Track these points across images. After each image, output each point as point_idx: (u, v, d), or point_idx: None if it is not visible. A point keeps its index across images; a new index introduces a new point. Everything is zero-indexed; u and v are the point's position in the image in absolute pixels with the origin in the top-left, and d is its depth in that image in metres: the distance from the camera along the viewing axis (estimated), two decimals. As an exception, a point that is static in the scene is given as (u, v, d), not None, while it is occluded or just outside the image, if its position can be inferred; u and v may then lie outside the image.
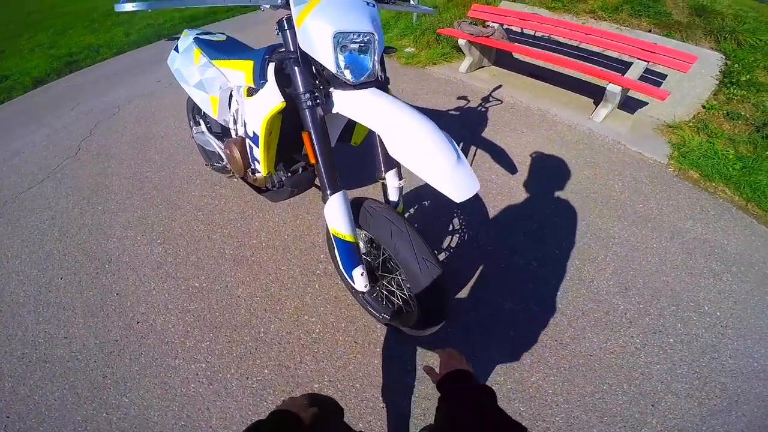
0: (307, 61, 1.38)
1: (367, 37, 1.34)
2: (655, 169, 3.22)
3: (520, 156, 3.30)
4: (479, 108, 3.99)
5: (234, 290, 2.22)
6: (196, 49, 2.22)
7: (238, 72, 1.84)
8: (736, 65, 3.93)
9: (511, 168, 3.15)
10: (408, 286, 1.64)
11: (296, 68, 1.39)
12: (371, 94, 1.37)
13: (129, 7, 1.09)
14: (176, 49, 2.43)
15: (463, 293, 2.25)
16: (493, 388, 0.84)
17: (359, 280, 1.66)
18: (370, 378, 1.87)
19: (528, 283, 2.30)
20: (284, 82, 1.51)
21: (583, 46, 4.42)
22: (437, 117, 3.81)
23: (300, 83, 1.39)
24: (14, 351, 1.98)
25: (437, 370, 0.98)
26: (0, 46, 7.20)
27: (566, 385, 1.87)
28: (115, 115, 4.20)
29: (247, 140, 1.83)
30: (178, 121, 3.90)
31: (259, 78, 1.62)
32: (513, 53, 4.84)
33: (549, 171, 3.16)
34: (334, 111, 1.46)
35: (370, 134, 1.69)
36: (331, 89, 1.44)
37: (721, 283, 2.33)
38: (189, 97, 2.44)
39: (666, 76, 4.02)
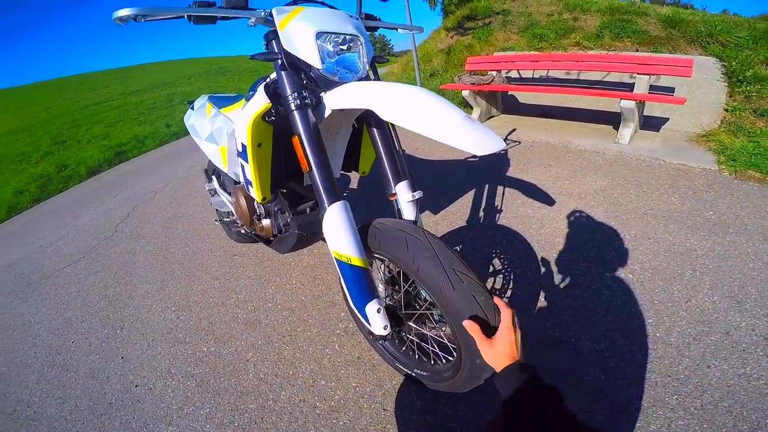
0: (294, 66, 1.19)
1: (352, 40, 1.18)
2: (709, 176, 2.64)
3: (554, 187, 2.79)
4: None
5: (243, 354, 1.83)
6: (208, 104, 2.05)
7: (238, 110, 1.60)
8: (734, 63, 3.70)
9: (548, 200, 2.64)
10: (440, 317, 1.24)
11: (282, 72, 1.18)
12: (360, 82, 1.16)
13: (125, 13, 0.91)
14: (192, 107, 2.30)
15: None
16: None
17: (375, 319, 1.19)
18: None
19: (606, 315, 1.68)
20: (275, 99, 1.26)
21: (582, 77, 4.19)
22: (456, 166, 3.47)
23: (287, 85, 1.16)
24: (6, 407, 1.81)
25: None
26: (63, 136, 7.61)
27: (706, 427, 1.21)
28: (151, 199, 4.18)
29: (240, 160, 1.49)
30: (204, 200, 3.78)
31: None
32: (519, 98, 4.59)
33: (590, 196, 2.61)
34: (327, 111, 1.21)
35: (379, 159, 1.38)
36: (322, 94, 1.21)
37: None
38: (208, 159, 2.26)
39: (673, 89, 3.70)
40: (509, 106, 4.75)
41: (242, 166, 1.47)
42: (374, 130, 1.35)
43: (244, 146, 1.36)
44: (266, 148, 1.40)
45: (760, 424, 1.19)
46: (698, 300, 1.68)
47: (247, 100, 1.44)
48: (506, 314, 0.88)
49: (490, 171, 3.24)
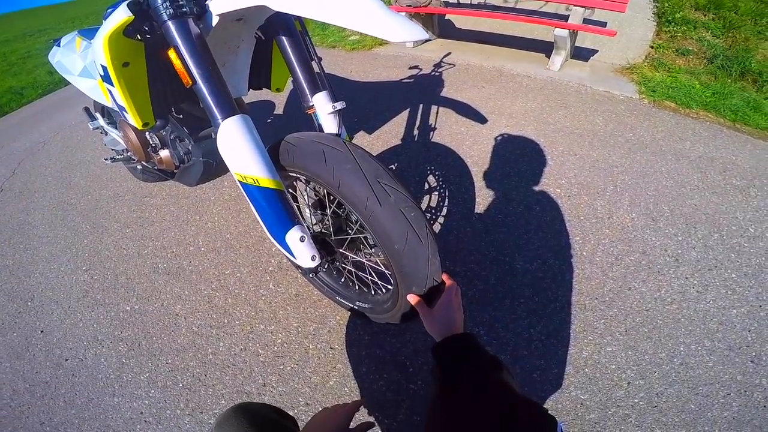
0: None
1: None
2: (630, 103, 2.62)
3: (486, 107, 2.60)
4: (433, 73, 3.29)
5: (171, 308, 1.57)
6: (78, 38, 1.64)
7: None
8: (666, 4, 3.68)
9: (480, 119, 2.45)
10: (372, 242, 1.05)
11: None
12: None
13: None
14: (57, 44, 1.82)
15: (458, 259, 1.51)
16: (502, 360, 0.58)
17: (299, 249, 0.99)
18: (359, 392, 1.19)
19: (537, 232, 1.58)
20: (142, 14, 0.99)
21: (519, 6, 3.91)
22: (391, 87, 3.13)
23: None
24: None
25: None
26: None
27: (630, 354, 1.18)
28: (40, 150, 3.35)
29: (105, 85, 1.19)
30: (102, 143, 3.05)
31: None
32: (455, 23, 4.23)
33: (521, 116, 2.48)
34: (214, 20, 0.96)
35: (292, 71, 1.14)
36: (208, 1, 0.96)
37: (752, 199, 1.72)
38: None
39: (605, 23, 3.59)
40: (446, 30, 4.35)
41: (110, 92, 1.20)
42: (282, 38, 1.12)
43: (104, 68, 1.08)
44: (137, 68, 1.12)
45: (676, 352, 1.18)
46: (619, 217, 1.65)
47: (105, 19, 1.12)
48: (449, 285, 0.79)
49: (424, 92, 2.96)
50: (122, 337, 1.51)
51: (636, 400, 1.07)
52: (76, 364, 1.47)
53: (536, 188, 1.82)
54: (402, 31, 0.68)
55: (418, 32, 0.70)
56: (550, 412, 0.47)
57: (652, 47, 3.46)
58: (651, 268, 1.42)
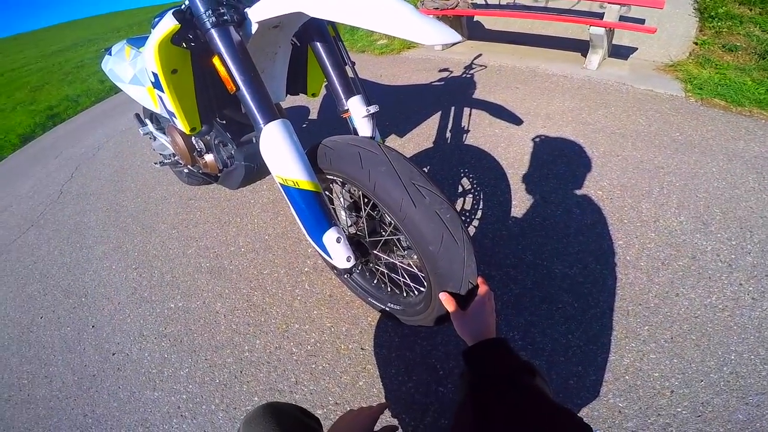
0: None
1: None
2: (676, 102, 2.46)
3: (521, 108, 2.54)
4: (463, 75, 3.24)
5: (212, 306, 1.63)
6: (127, 47, 1.72)
7: None
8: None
9: (515, 120, 2.39)
10: (407, 243, 1.02)
11: None
12: None
13: None
14: (109, 53, 1.91)
15: (494, 262, 1.47)
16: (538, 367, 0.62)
17: (336, 249, 1.00)
18: (387, 393, 1.18)
19: (577, 236, 1.52)
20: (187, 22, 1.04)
21: (551, 5, 3.77)
22: (421, 90, 3.11)
23: (199, 4, 0.95)
24: (2, 394, 1.58)
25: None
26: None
27: (676, 362, 1.11)
28: (94, 155, 3.58)
29: (156, 92, 1.24)
30: (151, 149, 3.24)
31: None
32: (485, 24, 4.16)
33: (558, 116, 2.39)
34: (254, 27, 1.00)
35: (327, 75, 1.17)
36: (247, 9, 1.00)
37: (815, 200, 1.56)
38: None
39: (644, 20, 3.42)
40: (475, 32, 4.27)
41: (161, 98, 1.25)
42: (317, 44, 1.15)
43: (155, 75, 1.13)
44: (185, 75, 1.17)
45: (726, 360, 1.10)
46: (666, 220, 1.56)
47: (153, 27, 1.20)
48: (483, 290, 0.78)
49: (455, 94, 2.92)
50: (166, 333, 1.58)
51: (679, 410, 1.00)
52: (122, 359, 1.54)
53: (576, 191, 1.75)
54: (435, 34, 0.69)
55: (451, 35, 0.70)
56: (585, 420, 0.44)
57: (696, 43, 3.27)
58: (701, 273, 1.33)
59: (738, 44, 3.11)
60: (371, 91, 3.60)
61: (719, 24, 3.30)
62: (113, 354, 1.57)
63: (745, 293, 1.25)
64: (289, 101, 3.15)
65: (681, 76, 2.85)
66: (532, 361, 0.60)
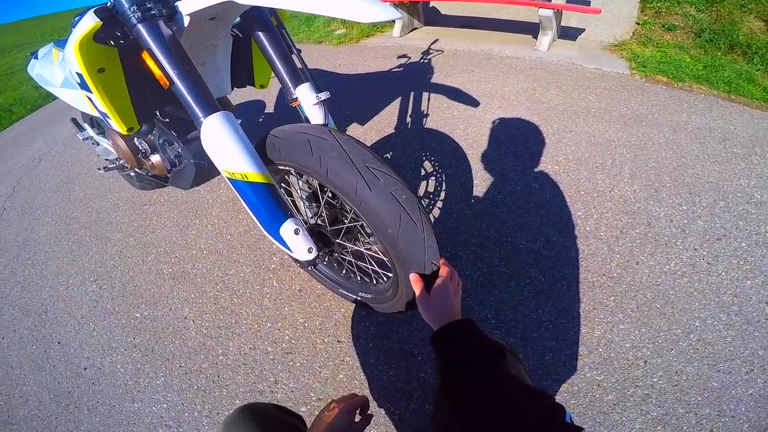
0: None
1: None
2: (622, 79, 2.52)
3: (477, 90, 2.50)
4: (421, 61, 3.17)
5: (179, 312, 1.52)
6: (55, 49, 1.58)
7: None
8: None
9: (472, 102, 2.35)
10: (368, 230, 0.98)
11: None
12: None
13: None
14: (35, 57, 1.77)
15: (460, 242, 1.42)
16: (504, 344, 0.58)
17: (295, 242, 0.92)
18: (369, 384, 1.13)
19: (538, 210, 1.49)
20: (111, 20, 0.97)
21: None
22: (381, 77, 3.01)
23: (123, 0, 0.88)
24: None
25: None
26: None
27: (644, 331, 1.10)
28: (36, 166, 3.21)
29: (84, 93, 1.14)
30: (96, 154, 2.93)
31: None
32: (441, 10, 4.12)
33: (513, 97, 2.37)
34: (186, 20, 0.93)
35: (273, 66, 1.12)
36: (177, 2, 0.93)
37: (755, 166, 1.64)
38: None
39: (589, 2, 3.45)
40: (432, 18, 4.22)
41: (90, 99, 1.15)
42: (259, 34, 1.10)
43: (80, 75, 1.04)
44: (114, 73, 1.08)
45: (691, 327, 1.10)
46: (620, 189, 1.57)
47: (73, 27, 1.10)
48: (445, 271, 0.74)
49: (414, 80, 2.84)
50: (135, 343, 1.47)
51: (655, 380, 0.99)
52: (95, 373, 1.44)
53: (534, 167, 1.73)
54: (372, 11, 0.66)
55: (389, 11, 0.67)
56: (563, 395, 0.40)
57: (638, 24, 3.35)
58: (658, 240, 1.33)
59: (676, 23, 3.22)
60: (330, 82, 3.49)
61: (659, 4, 3.38)
62: (85, 369, 1.45)
63: (701, 258, 1.27)
64: (243, 96, 3.01)
65: (626, 54, 2.92)
66: (505, 339, 0.55)
